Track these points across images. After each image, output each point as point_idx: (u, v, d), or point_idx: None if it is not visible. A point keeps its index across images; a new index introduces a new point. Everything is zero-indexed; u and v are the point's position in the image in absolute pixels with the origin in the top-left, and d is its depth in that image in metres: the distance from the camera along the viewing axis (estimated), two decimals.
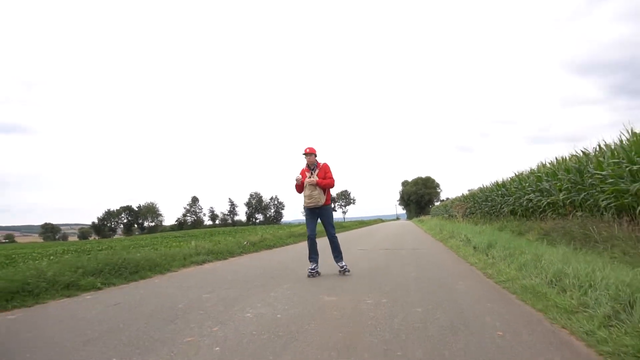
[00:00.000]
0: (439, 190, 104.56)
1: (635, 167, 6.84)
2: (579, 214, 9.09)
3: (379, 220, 66.70)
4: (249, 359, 2.70)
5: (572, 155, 9.91)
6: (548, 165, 12.11)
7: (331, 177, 6.37)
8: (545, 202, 10.85)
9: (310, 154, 6.36)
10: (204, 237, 17.01)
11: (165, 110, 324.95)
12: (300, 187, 6.38)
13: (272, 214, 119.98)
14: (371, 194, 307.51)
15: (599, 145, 8.76)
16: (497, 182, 17.62)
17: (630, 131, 7.87)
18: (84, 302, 4.61)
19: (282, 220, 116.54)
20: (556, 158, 11.35)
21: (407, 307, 3.90)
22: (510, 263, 5.32)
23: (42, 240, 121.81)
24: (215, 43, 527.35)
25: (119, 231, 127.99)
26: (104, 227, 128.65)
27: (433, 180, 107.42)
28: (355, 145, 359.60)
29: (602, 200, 7.78)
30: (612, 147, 8.04)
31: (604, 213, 8.06)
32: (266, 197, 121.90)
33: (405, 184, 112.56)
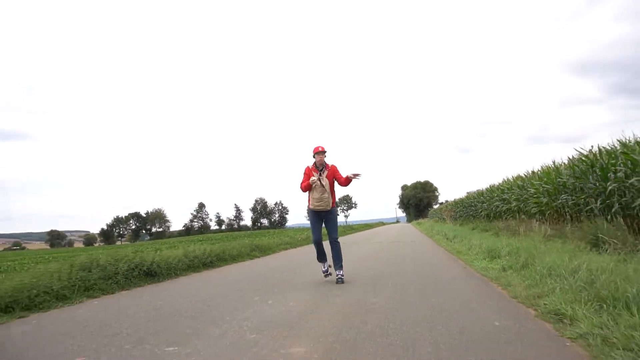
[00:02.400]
0: (437, 194, 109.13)
1: (546, 187, 11.08)
2: (522, 217, 13.33)
3: (380, 224, 70.93)
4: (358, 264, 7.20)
5: (519, 176, 14.20)
6: (511, 180, 16.37)
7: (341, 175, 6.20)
8: (504, 208, 15.13)
9: (322, 152, 6.12)
10: (228, 239, 21.31)
11: (170, 117, 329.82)
12: (307, 186, 6.10)
13: (277, 219, 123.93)
14: (372, 197, 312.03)
15: (532, 170, 13.03)
16: (478, 191, 21.92)
17: (551, 163, 12.14)
18: (261, 262, 9.28)
19: (287, 224, 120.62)
20: (512, 176, 15.62)
21: (405, 259, 8.39)
22: (459, 244, 9.70)
23: (48, 247, 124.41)
24: (220, 51, 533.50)
25: (125, 237, 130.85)
26: (112, 233, 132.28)
27: (431, 184, 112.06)
28: (357, 150, 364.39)
29: (531, 208, 12.04)
30: (538, 172, 12.31)
31: (536, 217, 12.31)
32: (271, 203, 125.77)
33: (404, 188, 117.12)
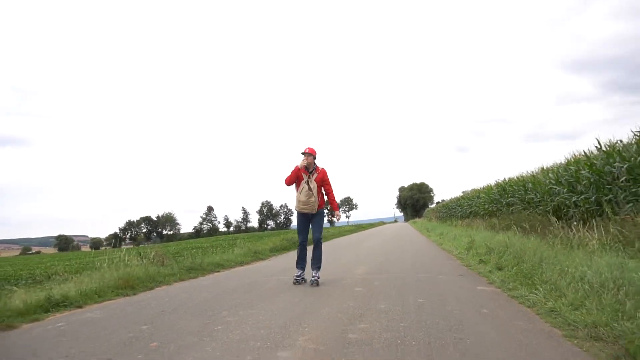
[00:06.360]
0: (433, 195, 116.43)
1: (487, 199, 18.44)
2: (478, 217, 20.74)
3: (381, 223, 78.70)
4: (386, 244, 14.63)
5: (475, 190, 21.67)
6: (476, 189, 23.79)
7: (331, 188, 6.17)
8: (469, 211, 22.56)
9: (310, 154, 5.93)
10: (252, 239, 28.74)
11: (176, 121, 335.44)
12: (291, 180, 5.97)
13: (282, 221, 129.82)
14: (371, 198, 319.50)
15: (482, 187, 20.46)
16: (458, 197, 29.36)
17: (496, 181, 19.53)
18: (337, 241, 17.66)
19: (291, 225, 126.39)
20: (473, 188, 23.07)
21: (402, 242, 15.76)
22: (432, 232, 17.25)
23: (56, 251, 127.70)
24: (228, 57, 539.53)
25: (136, 240, 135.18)
26: (123, 236, 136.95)
27: (427, 186, 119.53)
28: (356, 151, 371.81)
29: (481, 211, 19.44)
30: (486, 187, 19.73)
31: (483, 216, 19.73)
32: (276, 205, 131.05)
33: (402, 189, 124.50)
